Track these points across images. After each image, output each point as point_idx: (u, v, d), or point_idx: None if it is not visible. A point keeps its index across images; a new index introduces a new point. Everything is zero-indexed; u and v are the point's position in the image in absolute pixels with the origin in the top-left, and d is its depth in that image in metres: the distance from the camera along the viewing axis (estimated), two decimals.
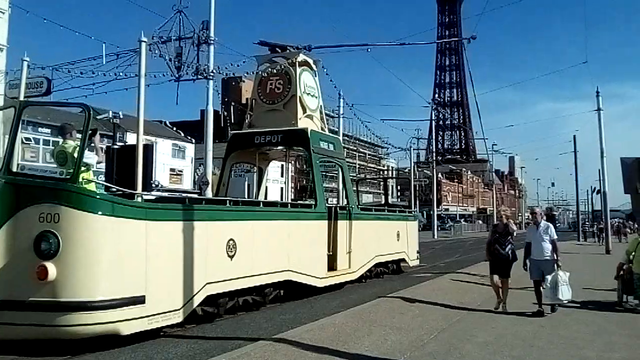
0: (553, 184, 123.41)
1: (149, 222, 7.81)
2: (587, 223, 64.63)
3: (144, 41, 10.44)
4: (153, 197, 9.82)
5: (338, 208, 14.28)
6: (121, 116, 27.66)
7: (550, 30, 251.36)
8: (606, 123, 33.72)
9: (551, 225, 10.91)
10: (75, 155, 7.78)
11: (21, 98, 14.07)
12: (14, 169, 7.94)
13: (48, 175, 9.74)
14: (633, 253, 11.25)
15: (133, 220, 7.63)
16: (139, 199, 8.50)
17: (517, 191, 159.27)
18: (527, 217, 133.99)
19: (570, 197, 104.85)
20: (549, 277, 10.33)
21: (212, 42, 19.96)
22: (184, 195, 14.50)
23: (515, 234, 11.26)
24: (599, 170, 36.06)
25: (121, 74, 16.14)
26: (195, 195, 18.67)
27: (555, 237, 10.66)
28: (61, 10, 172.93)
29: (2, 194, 7.12)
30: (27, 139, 42.39)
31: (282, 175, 53.60)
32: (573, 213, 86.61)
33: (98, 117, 26.53)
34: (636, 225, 14.39)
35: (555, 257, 10.47)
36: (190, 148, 60.82)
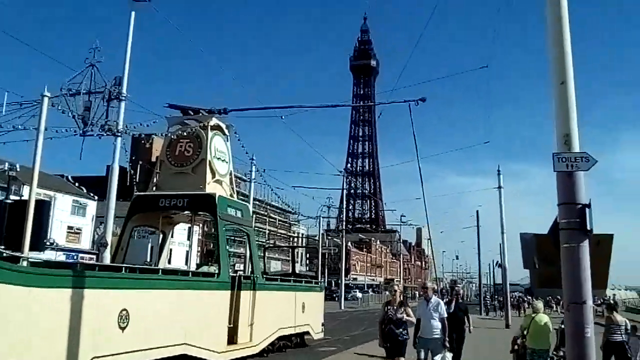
0: (457, 257, 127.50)
1: (32, 288, 7.27)
2: (489, 297, 66.66)
3: (47, 96, 10.06)
4: (41, 261, 9.18)
5: (242, 277, 13.94)
6: (18, 168, 26.34)
7: (458, 108, 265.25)
8: (508, 199, 35.52)
9: (441, 302, 10.64)
10: None
11: None
12: None
13: None
14: (527, 328, 11.53)
15: (15, 286, 7.07)
16: (24, 263, 7.93)
17: (423, 262, 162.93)
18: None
19: (474, 270, 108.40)
20: (437, 358, 10.01)
21: (123, 98, 19.55)
22: (82, 258, 13.74)
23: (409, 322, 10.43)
24: (500, 245, 37.47)
25: (20, 126, 15.40)
26: (93, 257, 17.79)
27: (445, 315, 10.33)
28: None
29: None
30: None
31: (188, 238, 52.38)
32: (476, 285, 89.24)
33: None
34: (533, 300, 14.81)
35: (444, 337, 10.14)
36: (92, 205, 58.31)
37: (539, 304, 11.99)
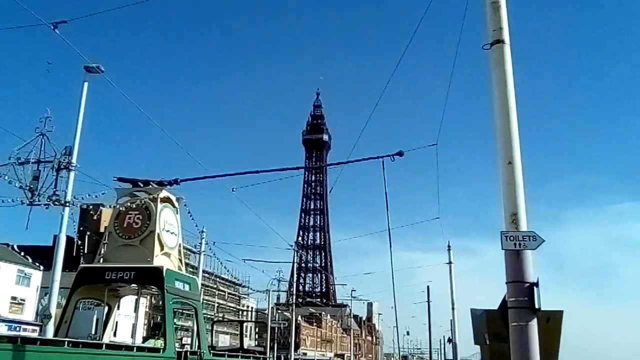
0: (408, 333, 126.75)
1: None
2: None
3: None
4: None
5: (189, 352, 13.58)
6: None
7: (407, 183, 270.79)
8: (459, 275, 36.01)
9: None
10: None
11: None
12: None
13: None
14: None
15: None
16: None
17: (374, 337, 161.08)
18: None
19: (425, 346, 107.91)
20: None
21: (72, 168, 19.28)
22: (25, 329, 13.17)
23: None
24: (450, 321, 37.58)
25: None
26: (37, 328, 17.08)
27: None
28: None
29: None
30: None
31: (135, 311, 50.79)
32: None
33: None
34: None
35: None
36: (37, 275, 56.32)
37: None
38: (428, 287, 53.30)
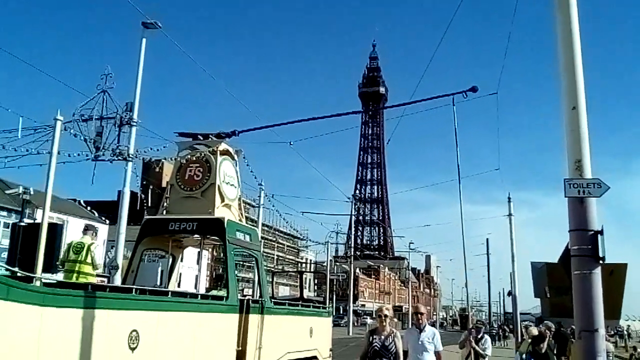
0: (466, 285, 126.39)
1: (45, 308, 7.33)
2: (495, 326, 66.06)
3: (60, 119, 10.22)
4: (53, 282, 9.26)
5: (251, 301, 13.92)
6: (32, 192, 26.66)
7: (466, 135, 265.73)
8: (519, 228, 35.53)
9: (437, 332, 9.39)
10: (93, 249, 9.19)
11: None
12: None
13: None
14: (525, 353, 11.74)
15: (29, 305, 7.14)
16: (37, 283, 8.01)
17: (432, 290, 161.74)
18: (441, 317, 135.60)
19: (484, 299, 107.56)
20: None
21: (134, 124, 19.74)
22: (98, 280, 13.81)
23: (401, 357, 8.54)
24: (510, 274, 37.30)
25: (34, 150, 15.63)
26: (105, 280, 17.88)
27: (441, 348, 9.09)
28: None
29: None
30: None
31: (197, 263, 52.38)
32: (486, 314, 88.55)
33: (7, 191, 25.41)
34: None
35: None
36: (103, 229, 58.64)
37: (534, 330, 12.14)
38: (487, 239, 52.99)
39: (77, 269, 10.87)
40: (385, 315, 8.69)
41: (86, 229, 11.68)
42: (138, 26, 19.31)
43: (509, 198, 35.11)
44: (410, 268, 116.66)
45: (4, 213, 43.19)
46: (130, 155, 19.46)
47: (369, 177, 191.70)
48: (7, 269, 8.37)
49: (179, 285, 17.14)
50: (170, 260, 15.38)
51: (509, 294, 46.01)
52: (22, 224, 15.07)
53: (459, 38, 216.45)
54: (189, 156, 14.21)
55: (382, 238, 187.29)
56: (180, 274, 15.85)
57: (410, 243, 71.58)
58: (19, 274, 8.08)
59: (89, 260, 10.99)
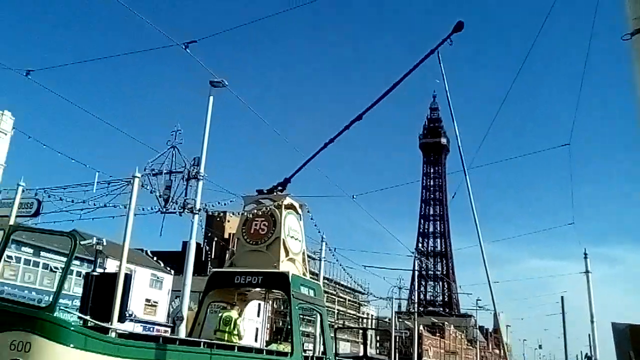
0: (540, 346, 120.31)
1: (120, 359, 7.67)
2: None
3: (138, 177, 10.80)
4: (127, 333, 9.64)
5: (315, 358, 13.99)
6: (104, 243, 27.76)
7: (537, 188, 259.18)
8: (597, 285, 33.98)
9: None
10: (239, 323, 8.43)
11: (12, 221, 14.20)
12: None
13: (26, 302, 9.66)
14: None
15: (104, 356, 7.50)
16: (113, 334, 8.38)
17: (502, 350, 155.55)
18: None
19: None
20: None
21: (201, 178, 20.46)
22: (158, 330, 14.20)
23: None
24: (589, 335, 35.30)
25: (111, 203, 16.44)
26: (168, 330, 18.24)
27: None
28: (59, 137, 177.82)
29: None
30: (9, 257, 41.95)
31: (258, 315, 52.53)
32: None
33: (82, 242, 26.40)
34: None
35: None
36: (168, 279, 59.89)
37: None
38: (562, 297, 50.65)
39: (226, 338, 12.60)
40: None
41: (233, 304, 13.95)
42: (206, 85, 20.17)
43: (585, 254, 33.60)
44: (477, 326, 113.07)
45: (77, 262, 44.86)
46: (197, 208, 20.11)
47: (431, 229, 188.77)
48: (79, 317, 8.78)
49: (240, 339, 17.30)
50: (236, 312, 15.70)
51: (587, 357, 43.64)
52: (95, 273, 15.70)
53: (526, 89, 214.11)
54: (255, 210, 14.64)
55: (446, 294, 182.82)
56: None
57: (477, 300, 69.67)
58: (95, 324, 8.47)
59: (235, 331, 12.90)
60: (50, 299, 7.62)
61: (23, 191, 15.52)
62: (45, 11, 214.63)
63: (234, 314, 13.34)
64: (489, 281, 10.78)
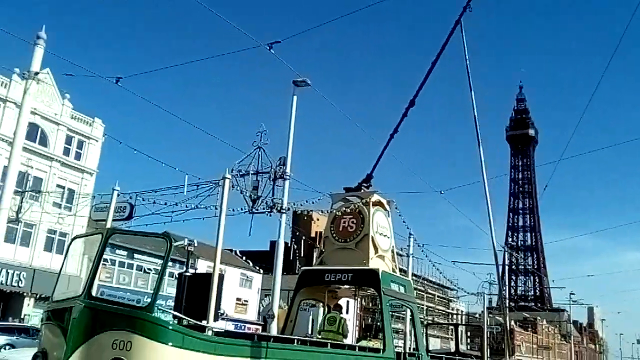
0: (639, 341, 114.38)
1: (217, 356, 7.78)
2: None
3: (228, 178, 10.95)
4: (222, 331, 9.79)
5: (407, 354, 13.78)
6: (196, 244, 28.55)
7: (633, 178, 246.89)
8: None
9: None
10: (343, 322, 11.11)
11: (108, 225, 14.76)
12: (94, 294, 8.19)
13: (125, 303, 9.99)
14: None
15: (201, 353, 7.62)
16: (209, 332, 8.51)
17: (597, 345, 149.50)
18: None
19: None
20: None
21: (287, 177, 20.63)
22: (249, 328, 14.44)
23: None
24: None
25: (201, 205, 16.84)
26: (259, 327, 18.51)
27: None
28: (148, 141, 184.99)
29: (81, 318, 7.32)
30: (105, 260, 43.93)
31: (346, 313, 52.61)
32: None
33: (173, 244, 27.13)
34: None
35: None
36: (257, 278, 61.12)
37: None
38: None
39: (331, 337, 12.88)
40: None
41: (337, 306, 14.49)
42: (289, 84, 20.32)
43: None
44: (571, 321, 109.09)
45: (169, 263, 46.55)
46: (285, 208, 20.30)
47: (520, 223, 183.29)
48: (174, 316, 8.94)
49: None
50: (326, 310, 15.68)
51: None
52: (187, 274, 16.10)
53: (620, 70, 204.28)
54: (343, 208, 14.55)
55: (537, 288, 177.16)
56: None
57: (570, 294, 67.10)
58: (192, 323, 8.61)
59: (341, 330, 13.30)
60: (148, 300, 7.81)
61: (118, 195, 16.11)
62: (133, 19, 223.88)
63: (336, 314, 13.66)
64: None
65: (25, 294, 40.87)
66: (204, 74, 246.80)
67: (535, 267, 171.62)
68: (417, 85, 16.54)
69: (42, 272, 40.42)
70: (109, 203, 18.71)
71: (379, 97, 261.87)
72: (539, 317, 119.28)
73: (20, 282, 40.27)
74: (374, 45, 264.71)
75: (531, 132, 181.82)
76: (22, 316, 38.57)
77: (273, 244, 21.67)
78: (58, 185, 42.60)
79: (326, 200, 15.99)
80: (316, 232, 68.42)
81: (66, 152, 44.52)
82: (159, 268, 44.56)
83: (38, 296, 40.83)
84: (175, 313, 9.18)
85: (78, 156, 45.42)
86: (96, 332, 7.29)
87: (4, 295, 38.53)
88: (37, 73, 15.75)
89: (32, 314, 41.21)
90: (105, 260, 44.37)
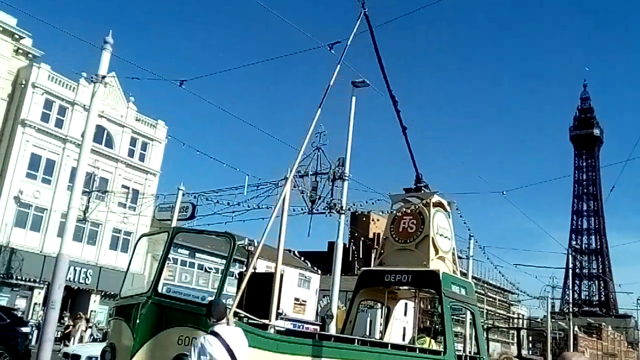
0: None
1: (278, 354, 7.85)
2: None
3: (290, 178, 11.05)
4: (283, 329, 9.89)
5: (469, 357, 13.58)
6: (256, 244, 28.90)
7: None
8: None
9: None
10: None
11: (173, 223, 15.14)
12: (160, 290, 8.39)
13: (190, 300, 10.20)
14: None
15: (264, 351, 7.70)
16: (271, 330, 8.60)
17: None
18: None
19: None
20: None
21: (346, 178, 20.58)
22: (307, 328, 14.51)
23: None
24: None
25: (263, 205, 17.09)
26: (317, 327, 18.59)
27: None
28: (209, 142, 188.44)
29: (148, 314, 7.52)
30: (168, 258, 44.93)
31: (405, 314, 52.19)
32: None
33: (237, 243, 27.57)
34: None
35: None
36: (315, 279, 61.35)
37: None
38: None
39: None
40: None
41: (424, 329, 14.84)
42: (348, 85, 20.12)
43: None
44: (639, 328, 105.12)
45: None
46: (344, 209, 20.28)
47: (585, 226, 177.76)
48: (236, 314, 9.06)
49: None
50: (386, 311, 15.60)
51: None
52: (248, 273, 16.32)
53: None
54: (403, 209, 14.43)
55: (602, 293, 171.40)
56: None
57: (638, 299, 64.50)
58: (254, 321, 8.72)
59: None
60: (210, 298, 7.95)
61: (183, 195, 16.52)
62: (194, 25, 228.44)
63: (425, 336, 14.21)
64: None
65: (91, 291, 42.30)
66: (264, 75, 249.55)
67: (600, 271, 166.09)
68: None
69: (108, 270, 41.72)
70: (172, 203, 19.19)
71: (435, 95, 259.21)
72: (604, 323, 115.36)
73: (87, 279, 41.70)
74: (435, 45, 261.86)
75: (596, 131, 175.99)
76: (88, 312, 39.89)
77: (331, 245, 21.71)
78: (123, 186, 43.90)
79: (384, 201, 15.95)
80: (374, 233, 68.16)
81: (131, 153, 45.86)
82: (220, 267, 45.32)
83: (103, 293, 42.19)
84: (239, 311, 9.30)
85: (142, 157, 46.70)
86: (162, 327, 7.46)
87: (72, 292, 39.92)
88: (104, 77, 16.22)
89: (98, 310, 42.62)
90: (169, 258, 45.43)
